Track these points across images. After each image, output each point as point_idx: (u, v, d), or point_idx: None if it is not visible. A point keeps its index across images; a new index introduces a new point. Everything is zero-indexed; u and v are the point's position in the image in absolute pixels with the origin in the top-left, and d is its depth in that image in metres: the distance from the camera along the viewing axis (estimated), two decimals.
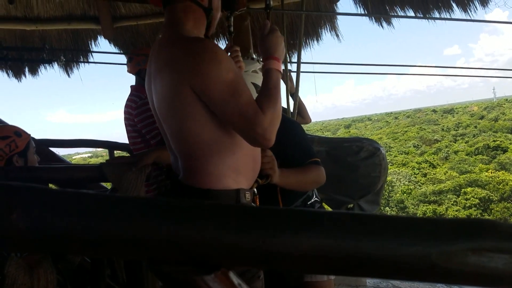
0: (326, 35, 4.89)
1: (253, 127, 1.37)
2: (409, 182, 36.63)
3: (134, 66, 2.98)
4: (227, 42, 4.83)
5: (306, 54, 4.99)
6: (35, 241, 0.68)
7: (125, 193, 2.24)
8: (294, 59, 4.81)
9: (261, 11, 4.24)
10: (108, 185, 3.82)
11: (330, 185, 3.76)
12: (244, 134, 1.42)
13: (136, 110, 2.73)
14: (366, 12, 4.58)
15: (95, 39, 5.08)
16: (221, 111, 1.41)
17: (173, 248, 0.64)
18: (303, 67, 3.72)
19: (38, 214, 0.66)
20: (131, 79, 3.06)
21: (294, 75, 3.48)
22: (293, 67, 3.99)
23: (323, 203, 4.05)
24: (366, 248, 0.56)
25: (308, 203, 2.28)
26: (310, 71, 4.62)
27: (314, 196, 2.35)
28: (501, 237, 0.53)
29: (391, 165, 40.48)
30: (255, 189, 1.70)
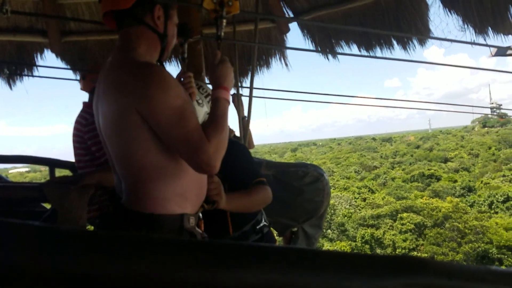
0: (277, 63, 5.06)
1: (197, 153, 1.39)
2: (350, 206, 37.62)
3: (89, 83, 2.93)
4: (179, 66, 4.87)
5: (257, 80, 5.12)
6: None
7: (66, 214, 2.17)
8: (245, 84, 4.95)
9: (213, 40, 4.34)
10: (48, 206, 3.64)
11: (276, 209, 3.83)
12: (189, 160, 1.44)
13: (87, 127, 2.69)
14: (313, 44, 4.81)
15: (42, 52, 4.89)
16: (167, 136, 1.42)
17: (116, 286, 0.59)
18: (255, 93, 3.82)
19: None
20: (77, 94, 2.99)
21: (245, 100, 3.56)
22: (244, 91, 4.10)
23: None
24: (309, 283, 0.57)
25: (257, 227, 2.31)
26: (262, 97, 4.72)
27: (263, 220, 2.38)
28: (431, 274, 0.56)
29: (333, 189, 41.49)
30: (200, 214, 1.70)
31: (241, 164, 2.22)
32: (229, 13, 1.80)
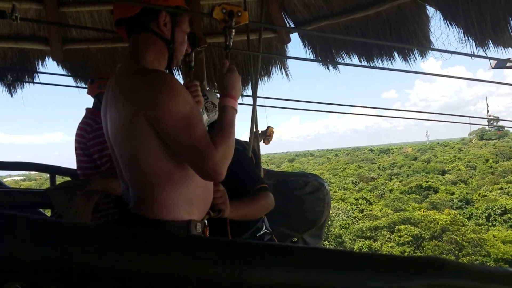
0: (277, 73, 5.09)
1: (205, 160, 1.40)
2: (347, 217, 37.59)
3: (95, 88, 2.92)
4: (180, 75, 4.89)
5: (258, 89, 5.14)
6: None
7: (71, 219, 2.16)
8: (245, 93, 4.97)
9: (220, 49, 4.38)
10: (47, 212, 3.61)
11: (276, 218, 3.83)
12: (195, 167, 1.45)
13: (91, 134, 2.66)
14: (314, 55, 4.85)
15: (43, 60, 4.90)
16: (175, 143, 1.44)
17: (148, 282, 0.60)
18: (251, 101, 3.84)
19: None
20: (78, 102, 3.02)
21: (247, 109, 3.57)
22: (245, 100, 4.12)
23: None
24: (333, 282, 0.57)
25: (257, 235, 2.31)
26: (262, 105, 4.74)
27: (264, 228, 2.38)
28: (451, 275, 0.57)
29: (331, 200, 41.30)
30: (206, 221, 1.70)
31: (242, 170, 2.23)
32: (238, 23, 1.82)
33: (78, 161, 2.81)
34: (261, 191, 2.21)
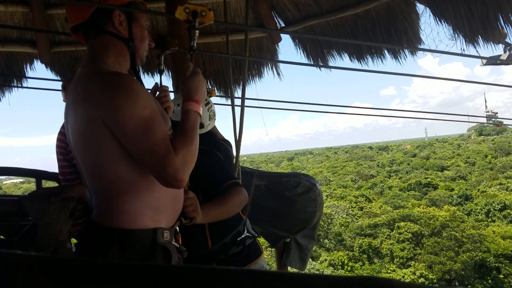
0: (268, 73, 5.05)
1: (164, 166, 1.34)
2: (346, 215, 37.59)
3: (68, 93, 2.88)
4: (171, 77, 4.84)
5: (251, 89, 5.10)
6: None
7: (46, 228, 2.10)
8: (237, 94, 4.93)
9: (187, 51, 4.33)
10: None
11: (268, 219, 3.82)
12: (155, 173, 1.38)
13: None
14: (305, 54, 4.82)
15: (31, 63, 4.87)
16: (133, 148, 1.37)
17: None
18: (250, 103, 3.80)
19: None
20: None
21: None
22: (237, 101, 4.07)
23: (261, 237, 4.06)
24: None
25: (238, 239, 2.25)
26: (255, 106, 4.70)
27: (246, 232, 2.32)
28: None
29: (330, 198, 41.55)
30: (177, 228, 1.64)
31: (211, 169, 2.20)
32: (202, 23, 1.74)
33: (59, 166, 2.76)
34: (232, 187, 2.16)
